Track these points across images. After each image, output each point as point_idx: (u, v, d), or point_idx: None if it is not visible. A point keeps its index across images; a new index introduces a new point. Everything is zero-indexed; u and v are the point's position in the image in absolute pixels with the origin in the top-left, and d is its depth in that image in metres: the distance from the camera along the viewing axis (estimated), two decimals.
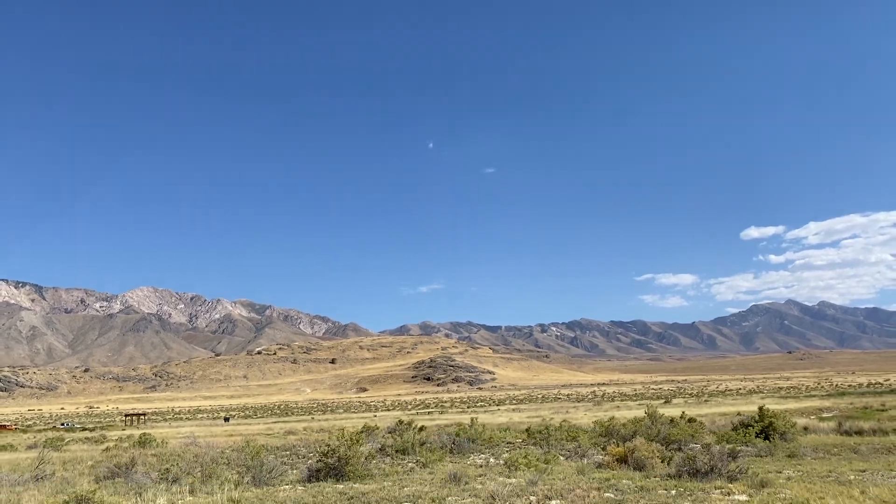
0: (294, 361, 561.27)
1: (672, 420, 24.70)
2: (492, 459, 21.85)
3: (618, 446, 19.12)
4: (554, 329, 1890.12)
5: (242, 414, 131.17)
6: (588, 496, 12.75)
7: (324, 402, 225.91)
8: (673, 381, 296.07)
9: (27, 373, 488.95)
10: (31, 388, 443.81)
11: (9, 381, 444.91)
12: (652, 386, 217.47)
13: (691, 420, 25.95)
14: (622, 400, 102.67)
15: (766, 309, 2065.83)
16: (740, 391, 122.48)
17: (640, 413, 27.93)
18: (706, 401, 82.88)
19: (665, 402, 78.51)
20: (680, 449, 19.82)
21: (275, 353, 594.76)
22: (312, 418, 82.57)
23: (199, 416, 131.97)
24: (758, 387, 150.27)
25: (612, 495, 12.89)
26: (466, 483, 15.36)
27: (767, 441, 21.57)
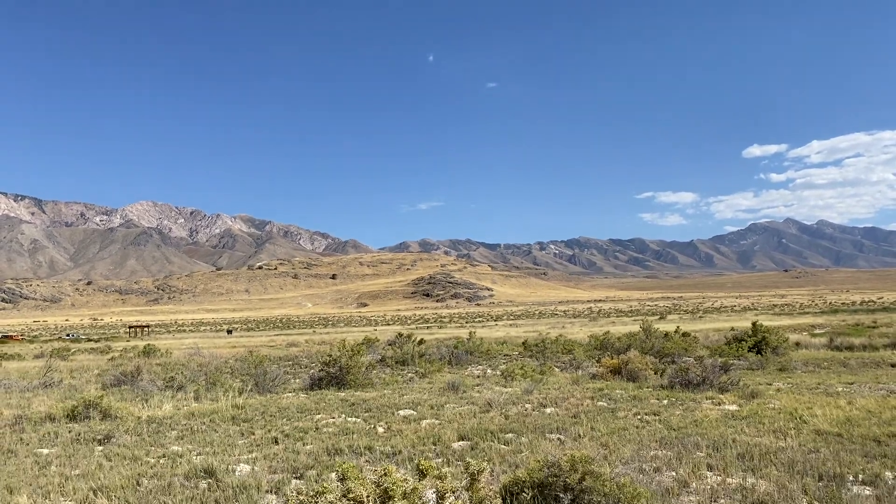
0: (295, 277, 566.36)
1: (666, 334, 25.16)
2: (489, 371, 22.34)
3: (612, 359, 19.53)
4: (552, 247, 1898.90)
5: (245, 327, 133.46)
6: (582, 404, 13.11)
7: (325, 316, 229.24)
8: (669, 298, 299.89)
9: (31, 285, 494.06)
10: (36, 300, 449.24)
11: (13, 293, 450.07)
12: (648, 303, 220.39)
13: (685, 334, 26.43)
14: (618, 316, 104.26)
15: (765, 227, 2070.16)
16: (735, 308, 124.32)
17: (635, 328, 28.41)
18: (701, 317, 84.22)
19: (660, 318, 79.81)
20: (673, 362, 20.26)
21: (276, 269, 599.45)
22: (314, 331, 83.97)
23: (202, 328, 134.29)
24: (753, 304, 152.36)
25: (605, 404, 13.26)
26: (464, 392, 15.77)
27: (759, 355, 22.03)
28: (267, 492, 6.99)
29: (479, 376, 20.12)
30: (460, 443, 10.06)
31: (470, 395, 15.26)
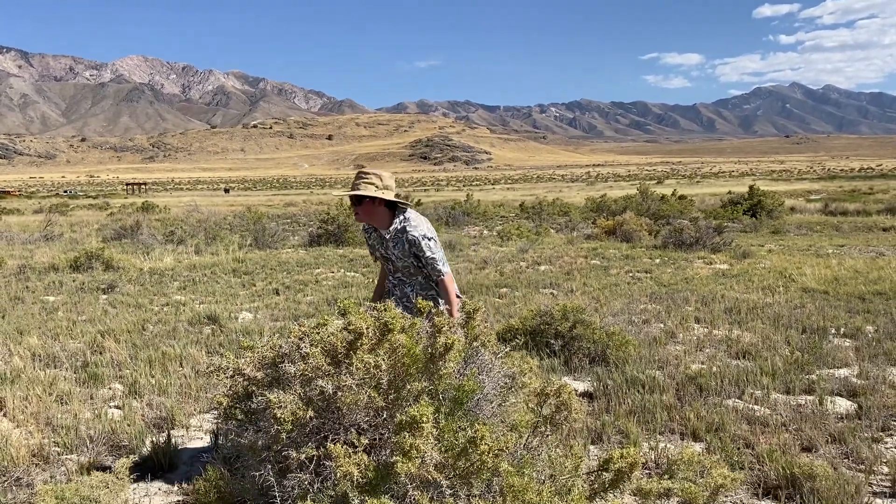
0: (291, 137, 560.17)
1: (663, 197, 25.25)
2: (485, 231, 22.59)
3: (608, 220, 19.71)
4: (553, 109, 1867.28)
5: (242, 186, 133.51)
6: (575, 262, 13.36)
7: (321, 177, 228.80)
8: (668, 162, 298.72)
9: (24, 141, 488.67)
10: (30, 156, 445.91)
11: (7, 149, 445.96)
12: (646, 167, 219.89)
13: (682, 197, 26.53)
14: (615, 180, 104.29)
15: (770, 92, 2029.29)
16: (733, 173, 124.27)
17: (633, 192, 28.47)
18: (698, 182, 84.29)
19: (658, 183, 79.83)
20: (668, 224, 20.43)
21: (271, 128, 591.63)
22: (311, 192, 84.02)
23: (199, 187, 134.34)
24: (751, 170, 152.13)
25: (598, 262, 13.52)
26: (461, 250, 16.02)
27: (754, 218, 22.23)
28: (270, 336, 7.23)
29: (475, 236, 20.37)
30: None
31: (466, 254, 15.51)
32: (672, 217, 22.16)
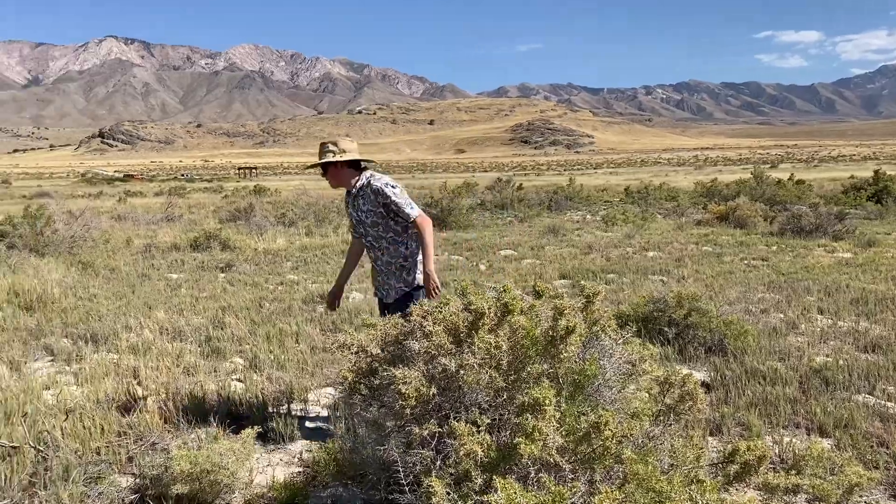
0: (393, 122, 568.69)
1: (778, 181, 24.05)
2: (588, 216, 22.21)
3: (719, 205, 18.98)
4: (659, 91, 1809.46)
5: None
6: (686, 249, 12.94)
7: (422, 161, 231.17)
8: (782, 146, 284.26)
9: (146, 127, 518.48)
10: (151, 141, 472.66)
11: (131, 135, 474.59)
12: (759, 151, 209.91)
13: (799, 182, 25.16)
14: (725, 164, 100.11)
15: None
16: (854, 157, 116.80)
17: (744, 177, 27.25)
18: (815, 166, 79.82)
19: (771, 167, 76.08)
20: (785, 209, 19.45)
21: (374, 113, 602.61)
22: (413, 176, 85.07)
23: (307, 171, 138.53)
24: (874, 153, 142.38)
25: (710, 249, 13.04)
26: (564, 235, 15.83)
27: (879, 205, 20.82)
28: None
29: (578, 221, 20.06)
30: (561, 281, 10.22)
31: (570, 238, 15.32)
32: (788, 202, 21.08)
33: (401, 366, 2.88)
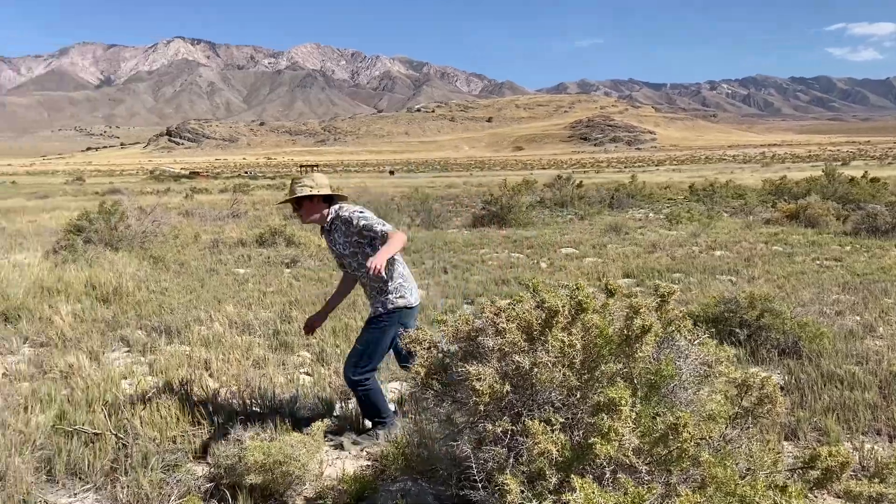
0: (452, 119, 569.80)
1: (852, 179, 23.17)
2: (651, 214, 21.83)
3: (789, 204, 18.41)
4: (724, 86, 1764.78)
5: (405, 168, 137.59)
6: (755, 248, 12.60)
7: (481, 159, 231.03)
8: (854, 142, 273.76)
9: (211, 126, 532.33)
10: (216, 139, 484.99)
11: (197, 134, 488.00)
12: (829, 148, 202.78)
13: (874, 180, 24.18)
14: (794, 162, 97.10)
15: None
16: None
17: (814, 174, 26.34)
18: (890, 163, 76.64)
19: (842, 165, 73.39)
20: (859, 208, 18.75)
21: (433, 111, 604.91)
22: (471, 174, 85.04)
23: (366, 168, 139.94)
24: None
25: (780, 248, 12.66)
26: (626, 233, 15.60)
27: None
28: (442, 313, 7.40)
29: (640, 219, 19.74)
30: (625, 280, 10.07)
31: (633, 237, 15.09)
32: (862, 201, 20.30)
33: (473, 362, 2.88)
